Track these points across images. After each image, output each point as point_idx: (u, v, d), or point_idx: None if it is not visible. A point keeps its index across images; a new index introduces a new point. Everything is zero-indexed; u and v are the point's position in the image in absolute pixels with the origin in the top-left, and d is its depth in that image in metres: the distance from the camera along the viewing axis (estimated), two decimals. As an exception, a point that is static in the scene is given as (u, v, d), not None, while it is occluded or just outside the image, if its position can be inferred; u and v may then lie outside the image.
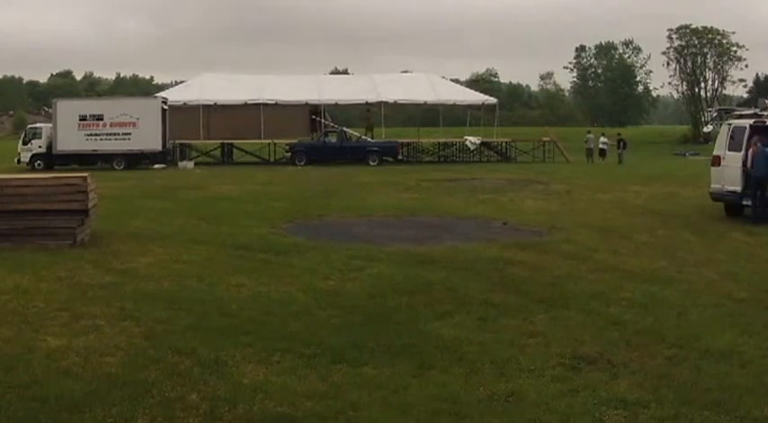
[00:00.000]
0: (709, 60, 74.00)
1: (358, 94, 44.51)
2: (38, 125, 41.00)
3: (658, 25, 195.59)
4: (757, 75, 78.77)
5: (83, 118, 37.16)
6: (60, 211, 12.94)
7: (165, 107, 38.44)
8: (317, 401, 6.25)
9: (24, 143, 37.86)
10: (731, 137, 18.02)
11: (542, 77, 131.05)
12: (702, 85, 74.10)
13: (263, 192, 23.80)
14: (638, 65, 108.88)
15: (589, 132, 47.96)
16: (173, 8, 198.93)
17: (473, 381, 6.78)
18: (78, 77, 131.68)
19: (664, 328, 8.49)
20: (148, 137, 36.80)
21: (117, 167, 35.82)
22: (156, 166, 36.72)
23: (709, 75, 74.34)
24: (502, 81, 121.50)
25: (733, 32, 73.40)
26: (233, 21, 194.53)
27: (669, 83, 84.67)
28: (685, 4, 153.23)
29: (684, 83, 73.72)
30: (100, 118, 37.21)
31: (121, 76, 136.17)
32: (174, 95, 43.35)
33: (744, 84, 78.04)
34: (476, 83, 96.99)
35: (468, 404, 6.26)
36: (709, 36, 73.29)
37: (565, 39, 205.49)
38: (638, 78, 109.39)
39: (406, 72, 62.77)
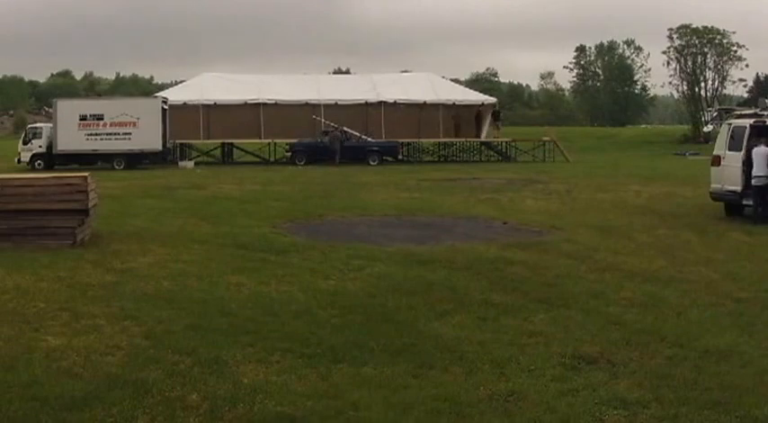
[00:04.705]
0: (709, 60, 73.96)
1: (358, 94, 44.54)
2: (38, 125, 41.02)
3: (658, 25, 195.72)
4: (757, 75, 78.82)
5: (83, 118, 37.15)
6: (60, 210, 12.94)
7: (166, 107, 38.44)
8: (317, 401, 6.26)
9: (24, 143, 37.86)
10: (731, 137, 18.02)
11: (543, 77, 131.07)
12: (702, 84, 74.06)
13: (263, 191, 23.81)
14: (638, 64, 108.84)
15: None
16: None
17: (473, 380, 6.78)
18: (78, 77, 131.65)
19: (664, 327, 8.50)
20: (149, 137, 36.79)
21: (117, 167, 35.81)
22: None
23: (709, 74, 74.28)
24: (502, 81, 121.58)
25: (733, 32, 73.47)
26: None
27: (669, 82, 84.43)
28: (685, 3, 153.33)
29: (684, 82, 73.69)
30: (100, 118, 37.20)
31: (121, 75, 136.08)
32: (174, 95, 43.35)
33: (744, 84, 78.09)
34: (476, 83, 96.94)
35: (468, 404, 6.26)
36: (710, 36, 73.24)
37: (566, 38, 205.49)
38: (636, 77, 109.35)
39: (405, 72, 62.79)
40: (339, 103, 43.48)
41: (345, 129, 41.02)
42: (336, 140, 39.79)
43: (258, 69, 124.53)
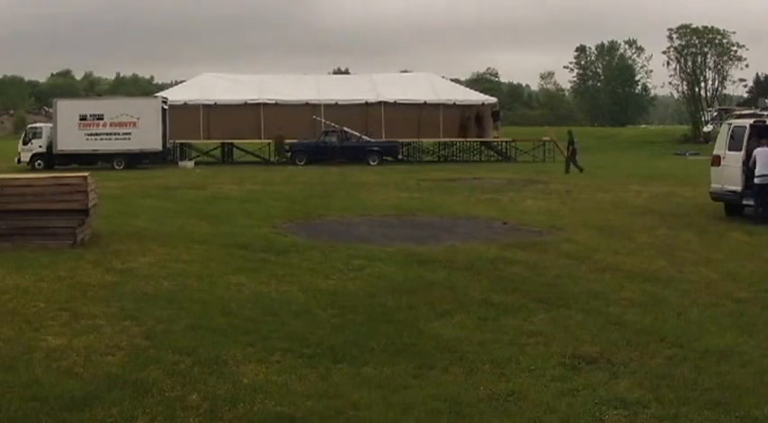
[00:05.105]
0: (709, 60, 74.01)
1: (358, 94, 44.56)
2: (38, 125, 41.05)
3: (659, 25, 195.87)
4: (757, 75, 78.88)
5: (83, 118, 37.17)
6: (60, 210, 12.93)
7: (166, 107, 38.45)
8: (317, 401, 6.26)
9: (24, 143, 37.88)
10: (731, 137, 18.03)
11: (543, 77, 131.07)
12: (702, 84, 74.09)
13: (263, 191, 23.81)
14: (639, 64, 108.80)
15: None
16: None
17: (473, 380, 6.78)
18: (78, 77, 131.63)
19: (664, 327, 8.50)
20: (149, 137, 36.81)
21: (117, 167, 35.82)
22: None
23: (709, 74, 74.33)
24: (502, 80, 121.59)
25: (733, 32, 73.51)
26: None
27: (669, 82, 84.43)
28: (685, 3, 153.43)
29: (684, 82, 73.73)
30: (100, 118, 37.22)
31: (121, 75, 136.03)
32: (174, 95, 43.38)
33: (744, 83, 78.16)
34: (476, 82, 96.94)
35: (468, 404, 6.25)
36: (710, 36, 73.28)
37: (566, 38, 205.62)
38: (637, 78, 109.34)
39: (405, 72, 62.83)
40: (339, 103, 43.51)
41: (345, 129, 41.04)
42: (337, 140, 39.88)
43: (256, 69, 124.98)
